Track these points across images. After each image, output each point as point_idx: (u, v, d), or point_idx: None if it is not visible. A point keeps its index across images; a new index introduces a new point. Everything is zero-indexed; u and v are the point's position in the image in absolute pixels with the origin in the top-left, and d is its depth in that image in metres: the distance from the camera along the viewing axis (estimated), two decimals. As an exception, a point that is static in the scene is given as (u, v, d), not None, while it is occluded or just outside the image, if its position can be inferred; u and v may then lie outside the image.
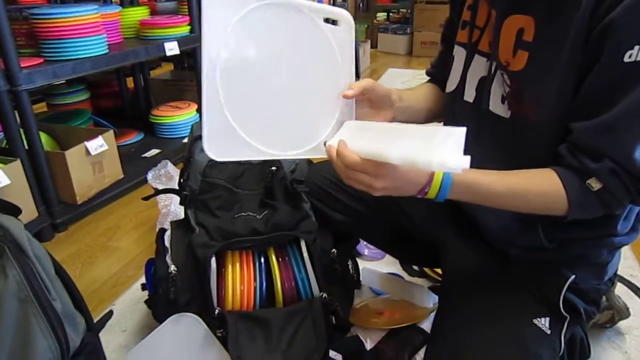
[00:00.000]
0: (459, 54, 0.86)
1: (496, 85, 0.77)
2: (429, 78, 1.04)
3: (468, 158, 0.54)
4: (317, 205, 1.07)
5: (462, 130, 0.58)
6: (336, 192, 1.05)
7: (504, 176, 0.70)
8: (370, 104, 0.82)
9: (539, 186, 0.70)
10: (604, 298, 0.95)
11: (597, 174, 0.66)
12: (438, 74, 1.00)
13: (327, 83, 0.76)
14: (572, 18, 0.65)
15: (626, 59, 0.61)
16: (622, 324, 1.18)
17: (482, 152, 0.80)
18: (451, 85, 0.88)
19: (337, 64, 0.75)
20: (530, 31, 0.71)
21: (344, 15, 0.75)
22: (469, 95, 0.83)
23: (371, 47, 4.64)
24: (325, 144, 0.74)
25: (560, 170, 0.69)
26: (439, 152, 0.55)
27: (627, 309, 1.13)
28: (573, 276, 0.77)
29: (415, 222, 1.00)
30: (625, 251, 0.92)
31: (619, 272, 0.92)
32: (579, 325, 0.82)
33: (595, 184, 0.66)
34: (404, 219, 1.01)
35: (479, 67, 0.81)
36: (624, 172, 0.65)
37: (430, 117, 0.98)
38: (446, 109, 0.91)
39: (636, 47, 0.60)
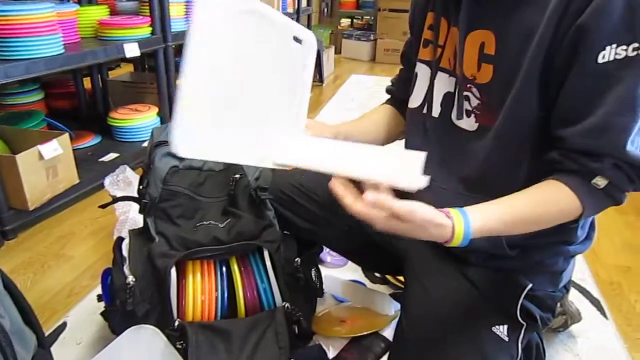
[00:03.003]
0: (423, 70, 0.88)
1: (461, 100, 0.79)
2: (388, 97, 1.06)
3: (427, 178, 0.59)
4: (282, 211, 1.07)
5: (422, 155, 0.63)
6: (300, 199, 1.05)
7: (519, 209, 0.70)
8: None
9: (556, 204, 0.70)
10: (558, 304, 0.98)
11: (602, 172, 0.68)
12: (398, 92, 1.02)
13: (285, 96, 0.77)
14: (534, 27, 0.68)
15: (600, 60, 0.64)
16: (574, 327, 1.22)
17: (448, 164, 0.82)
18: (415, 101, 0.90)
19: (297, 79, 0.77)
20: (492, 44, 0.73)
21: (308, 37, 0.76)
22: (435, 110, 0.85)
23: (335, 53, 4.67)
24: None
25: (563, 177, 0.70)
26: (405, 174, 0.60)
27: (579, 313, 1.17)
28: (530, 284, 0.80)
29: (378, 229, 1.01)
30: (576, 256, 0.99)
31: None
32: (535, 332, 0.84)
33: (601, 182, 0.68)
34: (367, 226, 1.02)
35: (443, 83, 0.83)
36: (624, 164, 0.67)
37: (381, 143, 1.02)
38: (410, 124, 0.93)
39: (607, 48, 0.63)
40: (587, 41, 0.64)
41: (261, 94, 0.73)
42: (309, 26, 4.63)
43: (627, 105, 0.65)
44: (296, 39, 0.75)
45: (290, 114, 0.78)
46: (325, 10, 6.00)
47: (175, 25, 2.23)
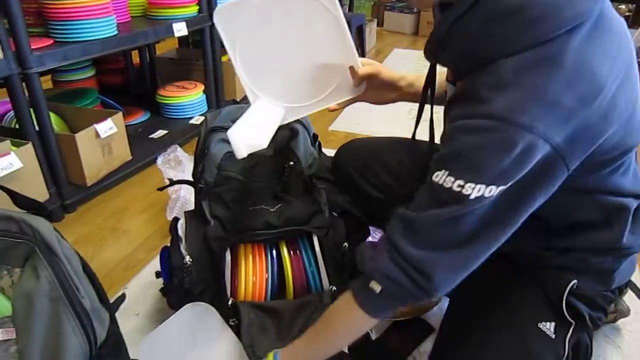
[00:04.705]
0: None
1: None
2: None
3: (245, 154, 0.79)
4: (355, 177, 1.09)
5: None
6: (372, 163, 1.08)
7: (316, 333, 0.80)
8: (372, 86, 0.91)
9: (340, 316, 0.77)
10: (612, 305, 0.97)
11: (373, 276, 0.69)
12: None
13: (333, 54, 0.87)
14: None
15: (434, 177, 0.64)
16: (618, 321, 1.22)
17: None
18: None
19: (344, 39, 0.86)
20: None
21: None
22: None
23: (377, 26, 4.58)
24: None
25: (352, 284, 0.75)
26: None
27: (629, 310, 1.16)
28: (574, 281, 0.80)
29: None
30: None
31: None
32: (586, 332, 0.84)
33: (375, 286, 0.69)
34: None
35: None
36: (402, 261, 0.66)
37: None
38: None
39: (438, 172, 0.63)
40: (437, 152, 0.66)
41: (309, 53, 0.87)
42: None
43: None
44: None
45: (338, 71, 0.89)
46: (367, -20, 5.85)
47: (221, 3, 2.24)
